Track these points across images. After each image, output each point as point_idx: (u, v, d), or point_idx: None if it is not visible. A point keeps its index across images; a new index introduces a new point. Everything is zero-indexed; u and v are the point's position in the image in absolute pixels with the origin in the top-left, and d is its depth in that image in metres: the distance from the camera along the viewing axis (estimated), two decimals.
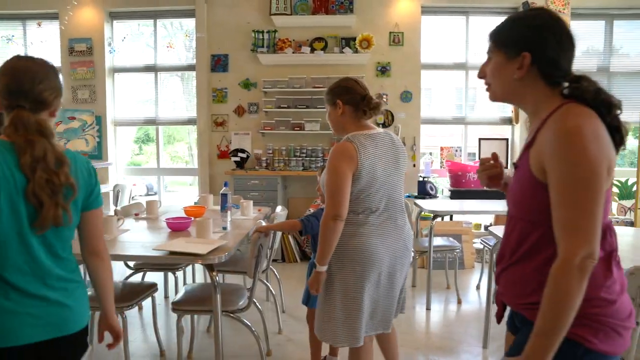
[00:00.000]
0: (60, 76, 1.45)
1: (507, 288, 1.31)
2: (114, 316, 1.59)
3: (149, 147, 8.15)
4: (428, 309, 3.88)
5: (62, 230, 1.39)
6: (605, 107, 1.15)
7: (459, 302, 4.03)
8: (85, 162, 1.47)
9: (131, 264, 3.44)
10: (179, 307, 2.60)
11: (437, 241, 4.13)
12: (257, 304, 2.82)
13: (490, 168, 1.54)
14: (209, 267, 2.29)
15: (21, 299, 1.31)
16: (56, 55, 5.97)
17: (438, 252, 4.25)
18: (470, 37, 5.82)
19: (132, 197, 5.54)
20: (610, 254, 1.18)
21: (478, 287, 4.43)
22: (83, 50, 5.85)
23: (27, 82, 1.34)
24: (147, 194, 10.23)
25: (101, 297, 1.56)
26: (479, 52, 5.86)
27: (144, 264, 3.40)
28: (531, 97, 1.24)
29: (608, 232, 1.18)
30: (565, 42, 1.19)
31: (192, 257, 2.23)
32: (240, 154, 5.48)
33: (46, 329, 1.35)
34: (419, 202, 4.29)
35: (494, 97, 1.34)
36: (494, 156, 1.57)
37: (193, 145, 7.19)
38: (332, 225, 1.96)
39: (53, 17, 5.96)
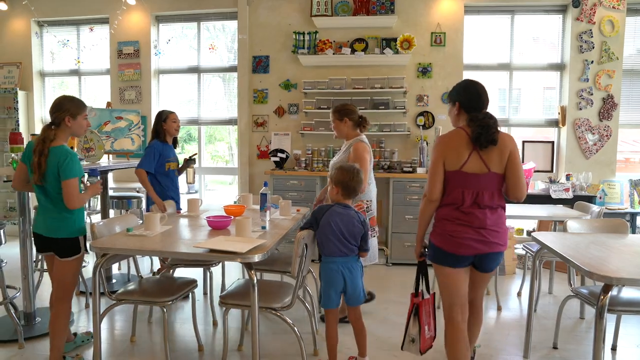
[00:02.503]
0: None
1: None
2: None
3: (191, 146, 8.34)
4: None
5: (45, 186, 2.61)
6: (477, 128, 2.25)
7: (499, 309, 3.93)
8: (56, 154, 2.56)
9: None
10: (226, 300, 2.66)
11: None
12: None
13: None
14: (248, 266, 2.33)
15: (40, 213, 2.69)
16: (105, 57, 6.22)
17: None
18: (515, 37, 5.66)
19: None
20: (452, 205, 2.31)
21: (519, 294, 4.29)
22: (130, 53, 6.07)
23: (50, 110, 2.66)
24: (188, 192, 10.47)
25: None
26: (524, 51, 5.70)
27: (179, 260, 3.47)
28: (457, 123, 2.43)
29: (454, 193, 2.30)
30: (472, 96, 2.37)
31: (231, 255, 2.27)
32: (279, 154, 5.53)
33: (43, 229, 2.65)
34: None
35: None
36: None
37: (233, 144, 7.31)
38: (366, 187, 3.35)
39: (104, 21, 6.21)
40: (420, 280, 2.57)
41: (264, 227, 2.89)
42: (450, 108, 2.45)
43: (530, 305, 3.00)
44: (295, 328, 2.64)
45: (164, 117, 3.98)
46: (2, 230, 3.15)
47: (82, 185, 2.67)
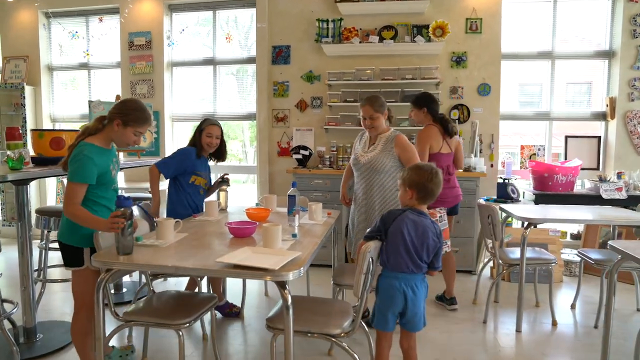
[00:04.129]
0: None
1: None
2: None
3: None
4: (518, 330, 3.36)
5: None
6: (442, 123, 3.67)
7: (554, 324, 3.48)
8: (77, 149, 2.26)
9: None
10: (274, 324, 2.21)
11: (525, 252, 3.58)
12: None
13: None
14: (281, 284, 1.92)
15: None
16: (116, 50, 5.87)
17: (528, 265, 3.68)
18: (558, 22, 5.18)
19: None
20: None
21: (573, 306, 3.84)
22: (142, 44, 5.70)
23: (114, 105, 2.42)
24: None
25: None
26: (568, 38, 5.22)
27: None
28: (425, 122, 3.70)
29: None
30: (433, 103, 3.70)
31: (262, 272, 1.86)
32: (302, 152, 5.12)
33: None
34: (506, 206, 3.77)
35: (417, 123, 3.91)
36: None
37: (247, 142, 6.97)
38: None
39: (114, 11, 5.86)
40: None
41: (294, 235, 2.48)
42: (416, 111, 3.72)
43: (607, 326, 2.55)
44: (356, 355, 2.22)
45: (203, 126, 3.37)
46: None
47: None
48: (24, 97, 5.93)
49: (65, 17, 6.09)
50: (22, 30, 6.08)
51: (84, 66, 6.15)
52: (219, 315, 3.55)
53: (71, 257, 2.32)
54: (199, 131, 3.38)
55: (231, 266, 1.92)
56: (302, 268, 1.92)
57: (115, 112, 2.32)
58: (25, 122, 5.94)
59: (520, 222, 4.87)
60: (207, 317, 3.20)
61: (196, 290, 3.38)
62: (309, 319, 2.27)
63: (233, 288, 3.98)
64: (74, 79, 6.33)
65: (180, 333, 2.28)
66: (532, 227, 3.37)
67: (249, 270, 1.89)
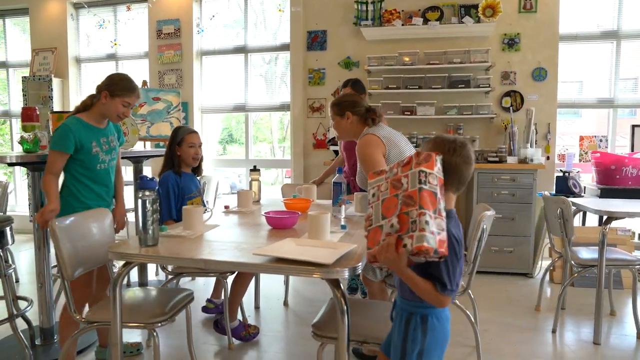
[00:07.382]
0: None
1: None
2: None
3: (233, 147, 7.75)
4: (596, 343, 2.90)
5: None
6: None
7: None
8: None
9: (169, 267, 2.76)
10: (322, 332, 1.83)
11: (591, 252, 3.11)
12: None
13: None
14: (334, 283, 1.55)
15: None
16: (144, 40, 5.64)
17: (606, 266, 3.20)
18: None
19: (218, 195, 4.93)
20: None
21: None
22: (171, 32, 5.45)
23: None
24: (231, 193, 9.85)
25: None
26: (636, 15, 4.70)
27: (183, 268, 2.67)
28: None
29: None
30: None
31: (312, 267, 1.49)
32: None
33: None
34: (575, 200, 3.31)
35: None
36: None
37: (275, 145, 6.70)
38: None
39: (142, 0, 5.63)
40: None
41: (344, 227, 2.11)
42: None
43: None
44: None
45: (180, 137, 2.93)
46: (8, 228, 2.52)
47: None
48: (52, 90, 5.75)
49: (93, 7, 5.90)
50: (51, 22, 5.92)
51: (112, 57, 5.94)
52: (235, 341, 2.85)
53: None
54: (175, 145, 2.91)
55: (273, 260, 1.56)
56: (359, 264, 1.55)
57: (102, 85, 2.36)
58: None
59: (581, 219, 4.41)
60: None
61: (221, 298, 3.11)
62: (362, 325, 1.90)
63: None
64: (103, 75, 6.13)
65: (155, 333, 1.98)
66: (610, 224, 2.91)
67: (295, 265, 1.52)
